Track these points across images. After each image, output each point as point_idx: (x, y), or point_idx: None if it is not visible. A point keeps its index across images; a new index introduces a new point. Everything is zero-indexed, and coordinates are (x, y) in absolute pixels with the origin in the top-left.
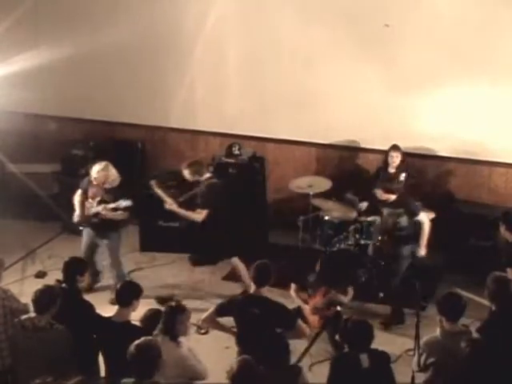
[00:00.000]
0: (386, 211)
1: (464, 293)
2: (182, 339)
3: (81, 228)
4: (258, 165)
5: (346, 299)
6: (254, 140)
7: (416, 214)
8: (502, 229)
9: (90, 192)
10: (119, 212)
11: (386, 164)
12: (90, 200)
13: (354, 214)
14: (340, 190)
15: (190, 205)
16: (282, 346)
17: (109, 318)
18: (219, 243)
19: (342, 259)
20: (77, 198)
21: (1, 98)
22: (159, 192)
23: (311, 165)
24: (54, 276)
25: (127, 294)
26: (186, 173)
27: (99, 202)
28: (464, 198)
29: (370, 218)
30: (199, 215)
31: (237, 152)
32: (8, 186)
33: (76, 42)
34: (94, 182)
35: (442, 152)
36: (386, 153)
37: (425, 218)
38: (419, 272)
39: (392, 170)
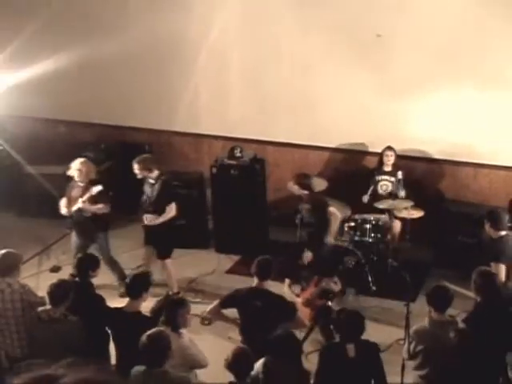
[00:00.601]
0: None
1: (451, 286)
2: (182, 330)
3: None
4: (259, 166)
5: (337, 288)
6: (254, 143)
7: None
8: (487, 226)
9: (72, 194)
10: (100, 206)
11: (380, 163)
12: (73, 200)
13: (348, 212)
14: (336, 189)
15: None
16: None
17: (120, 309)
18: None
19: (334, 252)
20: (62, 202)
21: (18, 104)
22: None
23: (308, 166)
24: (68, 270)
25: (137, 286)
26: (136, 167)
27: (84, 201)
28: (451, 197)
29: (363, 216)
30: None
31: (238, 154)
32: (25, 186)
33: (87, 52)
34: (76, 179)
35: (431, 154)
36: (380, 153)
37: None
38: (410, 266)
39: (388, 169)
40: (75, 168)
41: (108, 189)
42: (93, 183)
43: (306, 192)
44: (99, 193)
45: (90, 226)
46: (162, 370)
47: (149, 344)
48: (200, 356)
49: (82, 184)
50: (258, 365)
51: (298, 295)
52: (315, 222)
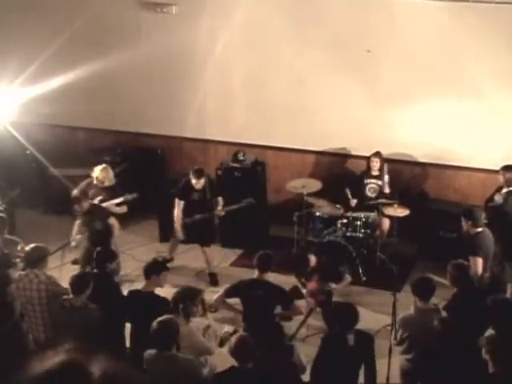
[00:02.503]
0: None
1: (434, 277)
2: (192, 319)
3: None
4: (260, 169)
5: (336, 286)
6: (256, 147)
7: None
8: (464, 223)
9: (90, 193)
10: (122, 207)
11: (368, 168)
12: (89, 200)
13: (341, 211)
14: (329, 190)
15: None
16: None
17: (137, 289)
18: None
19: (331, 250)
20: (75, 194)
21: (42, 112)
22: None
23: (305, 168)
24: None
25: (148, 269)
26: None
27: (101, 201)
28: (434, 197)
29: (355, 214)
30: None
31: (241, 158)
32: (50, 186)
33: (105, 65)
34: (95, 182)
35: (416, 158)
36: (368, 159)
37: None
38: (396, 259)
39: (375, 173)
40: (97, 173)
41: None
42: (111, 188)
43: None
44: (118, 190)
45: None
46: (172, 353)
47: (158, 329)
48: (208, 344)
49: (101, 186)
50: None
51: (304, 285)
52: None
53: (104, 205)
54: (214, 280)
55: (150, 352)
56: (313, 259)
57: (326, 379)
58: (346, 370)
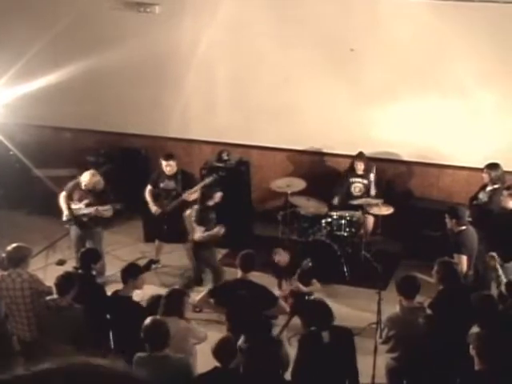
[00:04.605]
0: None
1: (419, 275)
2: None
3: (67, 226)
4: (244, 168)
5: (305, 289)
6: (240, 147)
7: None
8: (449, 221)
9: (77, 195)
10: (108, 210)
11: (353, 167)
12: (76, 202)
13: (325, 210)
14: (313, 189)
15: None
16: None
17: (116, 292)
18: None
19: (315, 249)
20: (62, 199)
21: (26, 113)
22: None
23: (289, 168)
24: (72, 263)
25: (124, 273)
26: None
27: (88, 205)
28: (418, 195)
29: (339, 213)
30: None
31: (226, 157)
32: (34, 187)
33: (89, 66)
34: (83, 187)
35: (401, 156)
36: (352, 159)
37: None
38: (381, 257)
39: (360, 172)
40: (86, 178)
41: (116, 198)
42: (98, 192)
43: None
44: (106, 196)
45: (89, 221)
46: (163, 354)
47: (150, 331)
48: (202, 334)
49: (87, 190)
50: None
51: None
52: None
53: (90, 209)
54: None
55: (140, 355)
56: (282, 253)
57: (306, 379)
58: (325, 368)
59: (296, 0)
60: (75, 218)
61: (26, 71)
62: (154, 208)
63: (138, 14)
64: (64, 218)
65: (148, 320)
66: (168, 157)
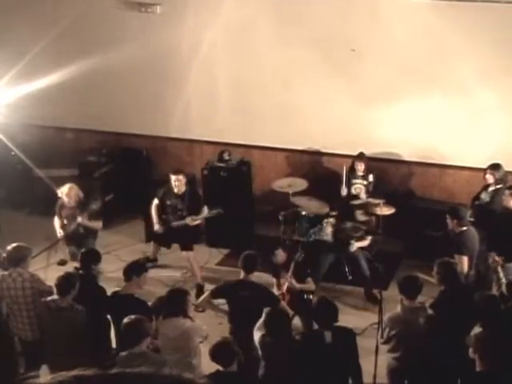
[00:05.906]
0: None
1: (420, 275)
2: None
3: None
4: (245, 168)
5: (298, 286)
6: (241, 147)
7: None
8: (450, 221)
9: (64, 214)
10: (96, 222)
11: (354, 168)
12: (65, 221)
13: (326, 210)
14: (315, 189)
15: None
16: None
17: (116, 291)
18: None
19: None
20: (56, 222)
21: (27, 113)
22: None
23: (290, 168)
24: (73, 264)
25: (128, 270)
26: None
27: (78, 225)
28: (419, 195)
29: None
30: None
31: (227, 158)
32: (35, 188)
33: (91, 66)
34: (66, 204)
35: (401, 156)
36: (353, 160)
37: None
38: (383, 257)
39: (360, 173)
40: (64, 193)
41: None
42: (80, 203)
43: None
44: (95, 212)
45: (80, 234)
46: (142, 350)
47: (125, 328)
48: (203, 331)
49: (71, 205)
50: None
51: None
52: None
53: (81, 222)
54: (199, 293)
55: (122, 353)
56: (281, 254)
57: (308, 378)
58: (327, 369)
59: (296, 0)
60: (69, 236)
61: (28, 71)
62: (156, 226)
63: (140, 14)
64: (59, 236)
65: (125, 318)
66: (177, 172)
